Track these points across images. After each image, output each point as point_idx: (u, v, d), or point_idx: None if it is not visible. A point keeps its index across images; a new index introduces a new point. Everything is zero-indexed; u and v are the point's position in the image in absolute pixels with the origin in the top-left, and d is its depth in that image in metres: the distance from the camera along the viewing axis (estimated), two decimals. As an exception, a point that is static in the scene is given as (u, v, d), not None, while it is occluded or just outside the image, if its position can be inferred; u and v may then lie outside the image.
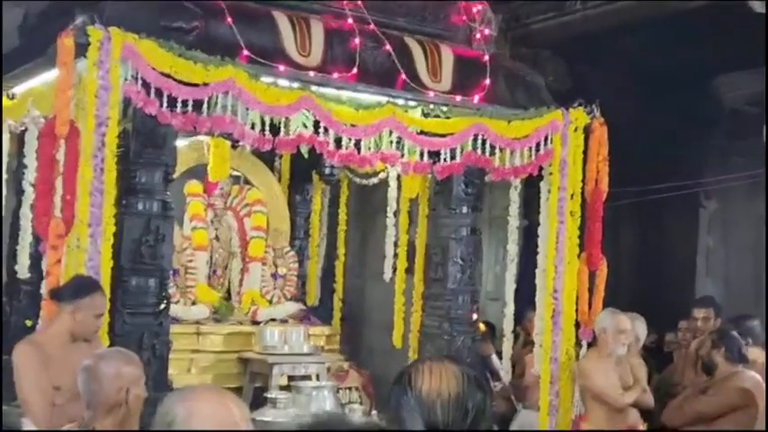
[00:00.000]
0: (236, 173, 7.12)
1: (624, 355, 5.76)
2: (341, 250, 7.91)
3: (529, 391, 6.29)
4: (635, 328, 5.84)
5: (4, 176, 6.33)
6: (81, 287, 4.41)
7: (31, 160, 5.88)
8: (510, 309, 6.47)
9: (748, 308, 7.56)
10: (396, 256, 7.21)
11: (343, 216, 7.91)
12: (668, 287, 8.47)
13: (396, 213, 7.21)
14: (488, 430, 2.10)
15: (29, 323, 6.15)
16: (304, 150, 5.71)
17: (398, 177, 7.02)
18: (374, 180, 7.48)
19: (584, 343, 6.18)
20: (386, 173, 7.12)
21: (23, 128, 5.95)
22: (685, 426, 5.67)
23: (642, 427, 5.81)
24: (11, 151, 6.39)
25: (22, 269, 5.99)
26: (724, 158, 8.89)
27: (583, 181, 6.24)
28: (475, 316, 6.48)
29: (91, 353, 4.25)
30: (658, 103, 8.25)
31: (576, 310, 6.17)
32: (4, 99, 6.05)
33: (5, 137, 6.27)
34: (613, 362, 5.76)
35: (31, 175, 5.87)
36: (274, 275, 7.01)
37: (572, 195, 6.19)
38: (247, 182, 7.32)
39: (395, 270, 7.20)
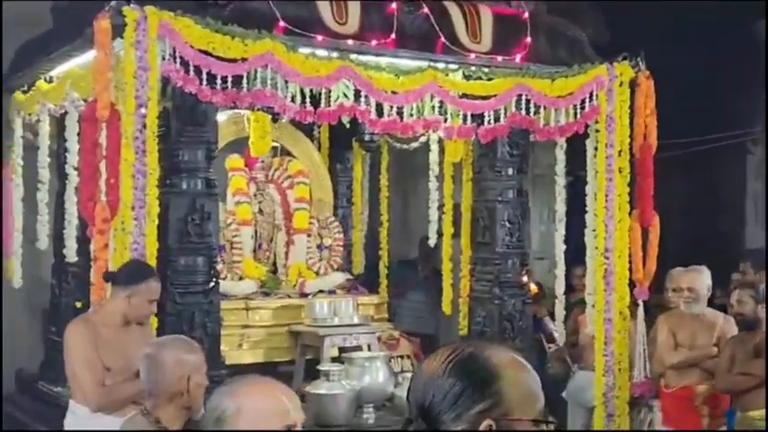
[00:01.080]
0: (275, 144, 7.06)
1: (709, 313, 5.67)
2: (384, 217, 7.85)
3: (584, 351, 6.21)
4: (691, 281, 5.70)
5: (47, 160, 6.35)
6: (137, 272, 4.40)
7: (72, 144, 5.90)
8: (561, 269, 6.39)
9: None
10: (440, 220, 7.15)
11: (384, 182, 7.84)
12: (719, 236, 8.32)
13: (438, 177, 7.13)
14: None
15: (79, 305, 6.20)
16: (345, 120, 5.65)
17: (439, 140, 6.93)
18: (414, 144, 7.39)
19: (641, 302, 6.08)
20: (426, 137, 7.03)
21: (63, 111, 5.93)
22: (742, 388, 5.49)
23: (699, 388, 5.70)
24: (51, 134, 6.40)
25: (70, 252, 6.01)
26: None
27: (630, 136, 6.12)
28: (526, 278, 6.40)
29: (143, 337, 4.29)
30: (701, 50, 8.03)
31: (630, 269, 6.07)
32: (42, 83, 6.04)
33: (45, 120, 6.28)
34: (688, 319, 5.67)
35: (73, 159, 5.88)
36: (320, 246, 6.96)
37: (620, 152, 6.08)
38: (287, 153, 7.25)
39: (440, 235, 7.14)
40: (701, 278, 5.73)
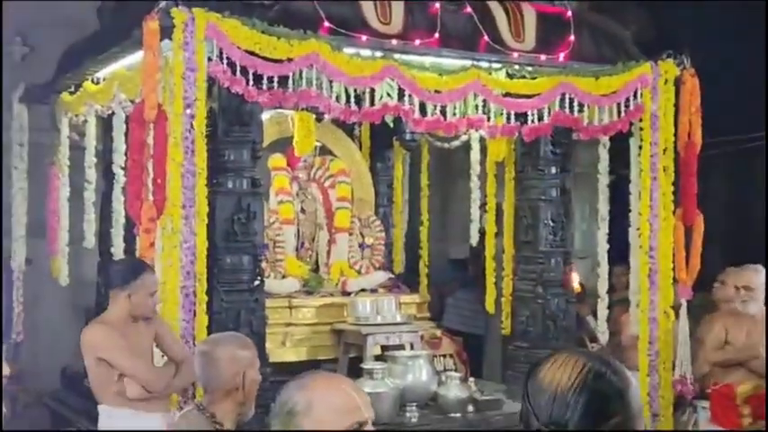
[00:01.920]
0: (317, 143, 7.08)
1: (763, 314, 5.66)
2: (424, 216, 7.86)
3: (627, 351, 6.18)
4: (748, 280, 5.68)
5: (93, 160, 6.42)
6: (131, 270, 4.46)
7: (119, 144, 5.96)
8: (604, 269, 6.36)
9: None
10: (481, 219, 7.14)
11: (425, 181, 7.85)
12: (763, 236, 8.22)
13: (479, 176, 7.12)
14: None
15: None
16: (389, 119, 5.67)
17: (480, 139, 6.93)
18: (455, 143, 7.39)
19: (683, 301, 6.05)
20: (467, 136, 7.03)
21: (110, 112, 6.00)
22: None
23: (740, 388, 5.68)
24: (97, 135, 6.48)
25: (117, 250, 6.08)
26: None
27: (675, 134, 6.08)
28: (574, 276, 6.39)
29: (151, 332, 4.39)
30: (746, 48, 7.95)
31: (673, 268, 6.03)
32: (89, 84, 6.12)
33: (92, 120, 6.36)
34: (746, 319, 5.65)
35: (119, 159, 5.94)
36: (361, 245, 6.99)
37: (664, 150, 6.04)
38: (329, 152, 7.28)
39: (481, 234, 7.14)
40: (758, 277, 5.71)
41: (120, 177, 5.93)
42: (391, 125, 5.98)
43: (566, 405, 1.73)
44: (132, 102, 5.44)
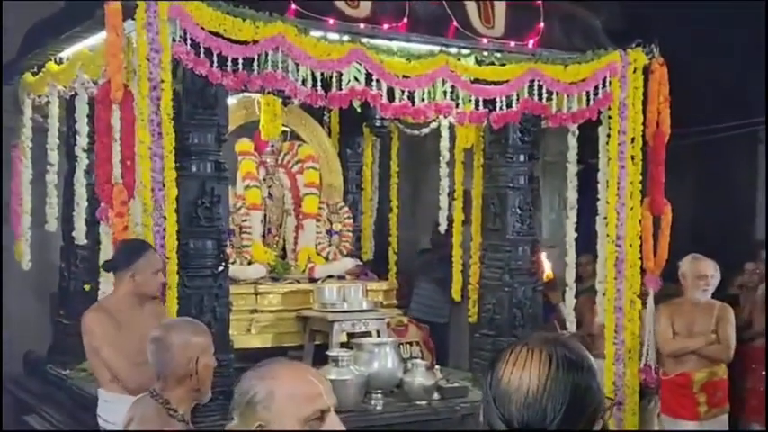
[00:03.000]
0: (285, 128, 7.02)
1: (706, 302, 5.69)
2: (394, 203, 7.82)
3: (597, 340, 6.19)
4: (714, 269, 5.71)
5: (56, 142, 6.32)
6: (133, 251, 4.42)
7: (81, 126, 5.87)
8: (571, 257, 6.34)
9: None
10: (450, 207, 7.10)
11: (394, 168, 7.81)
12: (729, 227, 8.26)
13: (448, 164, 7.08)
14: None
15: (87, 287, 6.19)
16: (356, 104, 5.61)
17: (450, 127, 6.88)
18: (425, 130, 7.35)
19: (650, 291, 6.06)
20: (437, 123, 6.98)
21: (73, 93, 5.90)
22: None
23: (696, 375, 5.70)
24: (60, 116, 6.37)
25: (79, 235, 5.99)
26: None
27: (643, 124, 6.07)
28: (545, 261, 6.38)
29: (156, 313, 4.33)
30: (715, 38, 7.95)
31: (641, 258, 6.03)
32: (52, 64, 6.01)
33: (55, 101, 6.25)
34: (690, 307, 5.68)
35: (82, 141, 5.85)
36: (329, 232, 6.94)
37: (632, 139, 6.04)
38: (297, 137, 7.22)
39: (450, 221, 7.10)
40: (713, 266, 5.75)
41: (83, 160, 5.85)
42: (359, 110, 5.92)
43: (542, 410, 1.60)
44: (95, 83, 5.35)
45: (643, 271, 6.07)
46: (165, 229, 4.77)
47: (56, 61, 6.00)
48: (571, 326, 6.34)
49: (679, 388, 5.73)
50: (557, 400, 1.60)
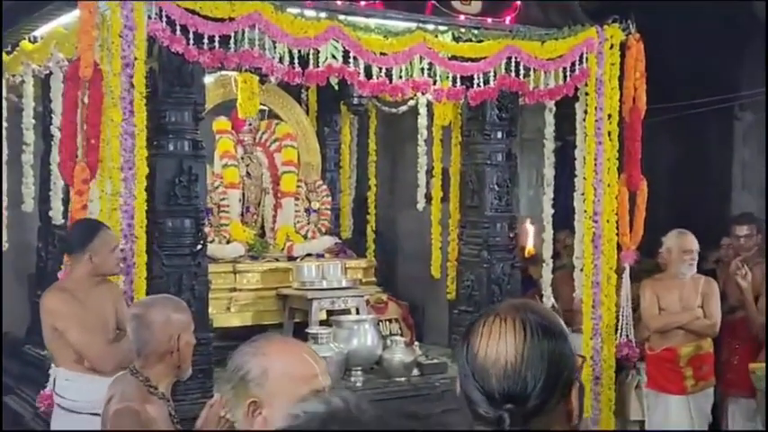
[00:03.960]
0: (263, 107, 7.00)
1: (691, 277, 5.72)
2: (372, 181, 7.83)
3: (575, 315, 6.23)
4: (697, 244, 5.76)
5: (32, 121, 6.26)
6: (87, 231, 4.37)
7: (57, 105, 5.78)
8: (549, 233, 6.37)
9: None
10: (428, 184, 7.12)
11: (372, 146, 7.81)
12: (705, 202, 8.32)
13: (426, 141, 7.09)
14: None
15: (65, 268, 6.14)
16: (334, 82, 5.60)
17: (428, 104, 6.88)
18: (403, 108, 7.34)
19: (627, 266, 6.10)
20: (415, 100, 6.99)
21: (48, 71, 5.84)
22: None
23: (683, 350, 5.75)
24: (36, 95, 6.30)
25: (56, 215, 5.94)
26: (758, 70, 8.63)
27: (620, 100, 6.10)
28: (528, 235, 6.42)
29: (111, 291, 4.33)
30: (691, 15, 7.98)
31: (617, 233, 6.07)
32: (26, 43, 5.94)
33: (29, 81, 6.18)
34: (676, 283, 5.72)
35: (58, 121, 5.78)
36: (308, 210, 6.94)
37: (609, 115, 6.06)
38: (275, 116, 7.20)
39: (428, 199, 7.12)
40: (696, 241, 5.79)
41: (58, 139, 5.79)
42: (336, 88, 5.91)
43: (522, 380, 1.59)
44: (70, 61, 5.29)
45: (619, 246, 6.10)
46: (134, 208, 4.74)
47: (30, 40, 5.93)
48: (548, 301, 6.38)
49: (665, 363, 5.76)
50: (536, 368, 1.60)
